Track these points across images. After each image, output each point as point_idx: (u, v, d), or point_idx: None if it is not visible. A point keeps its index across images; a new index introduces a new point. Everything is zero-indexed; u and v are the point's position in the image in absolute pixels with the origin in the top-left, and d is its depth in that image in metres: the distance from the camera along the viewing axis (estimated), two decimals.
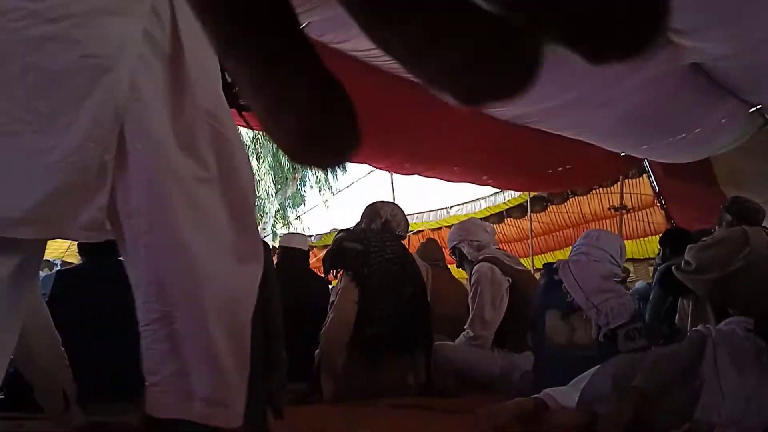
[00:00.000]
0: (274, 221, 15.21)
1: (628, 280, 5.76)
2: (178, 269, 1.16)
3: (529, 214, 8.60)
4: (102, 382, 2.57)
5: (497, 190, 9.00)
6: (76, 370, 2.11)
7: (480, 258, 3.39)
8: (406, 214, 3.47)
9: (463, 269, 3.67)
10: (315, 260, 6.96)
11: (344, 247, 2.95)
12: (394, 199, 8.15)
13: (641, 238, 8.87)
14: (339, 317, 2.82)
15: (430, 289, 3.63)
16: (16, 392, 2.50)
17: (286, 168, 14.75)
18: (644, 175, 7.78)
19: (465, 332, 3.25)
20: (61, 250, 7.28)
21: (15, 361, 2.10)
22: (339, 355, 2.79)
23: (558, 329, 2.62)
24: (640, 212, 8.80)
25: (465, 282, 3.75)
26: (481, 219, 5.30)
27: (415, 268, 3.08)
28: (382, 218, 3.23)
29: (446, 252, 4.07)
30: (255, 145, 13.53)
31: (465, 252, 3.52)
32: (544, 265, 2.87)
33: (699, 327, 2.00)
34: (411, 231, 10.55)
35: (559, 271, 2.70)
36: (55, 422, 2.08)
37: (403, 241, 3.29)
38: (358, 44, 4.15)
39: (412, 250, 3.80)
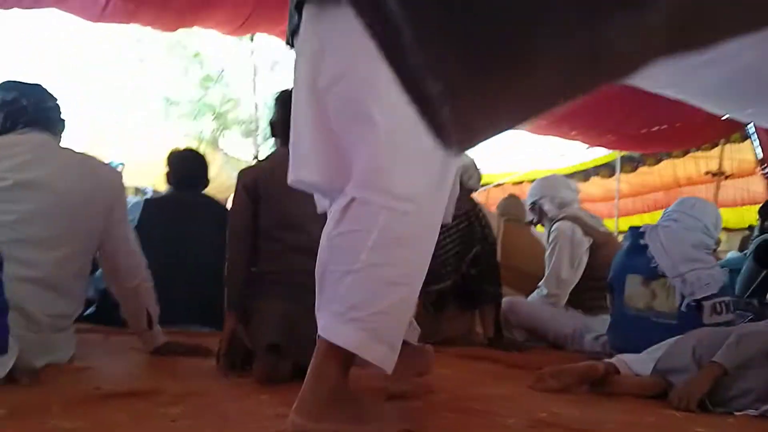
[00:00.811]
0: None
1: (719, 250, 5.47)
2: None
3: (617, 173, 8.24)
4: (182, 305, 2.74)
5: (585, 146, 8.65)
6: (159, 292, 2.22)
7: (561, 216, 3.30)
8: (485, 167, 3.41)
9: (542, 225, 3.59)
10: None
11: None
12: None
13: (738, 207, 8.36)
14: None
15: (506, 244, 3.59)
16: (105, 308, 2.71)
17: None
18: (747, 141, 7.26)
19: (539, 289, 3.20)
20: (150, 177, 7.62)
21: (105, 279, 2.26)
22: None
23: (638, 294, 2.52)
24: (739, 179, 8.26)
25: (543, 239, 3.66)
26: (565, 176, 5.12)
27: (483, 224, 3.03)
28: None
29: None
30: None
31: (545, 209, 3.42)
32: (630, 228, 2.74)
33: None
34: (491, 183, 10.44)
35: (646, 236, 2.57)
36: (138, 339, 2.22)
37: (481, 193, 3.24)
38: None
39: (493, 203, 3.74)
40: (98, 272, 2.62)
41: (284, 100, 2.08)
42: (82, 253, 2.00)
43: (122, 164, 6.86)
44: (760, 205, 4.44)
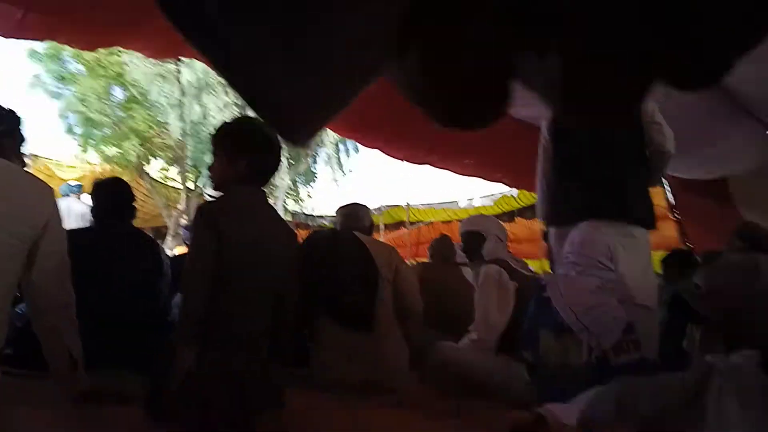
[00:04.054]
0: (285, 197, 15.22)
1: None
2: None
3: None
4: (107, 346, 2.59)
5: (509, 188, 8.93)
6: (82, 332, 2.09)
7: (488, 259, 3.37)
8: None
9: (469, 261, 3.62)
10: None
11: None
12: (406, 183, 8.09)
13: (652, 251, 8.79)
14: None
15: (435, 285, 3.65)
16: (23, 349, 2.52)
17: None
18: (659, 187, 7.69)
19: (469, 334, 3.24)
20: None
21: (26, 318, 2.10)
22: None
23: (551, 350, 2.52)
24: None
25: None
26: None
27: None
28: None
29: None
30: None
31: (487, 245, 3.44)
32: (536, 279, 2.78)
33: (708, 357, 1.97)
34: (421, 222, 10.57)
35: (548, 288, 2.58)
36: (59, 383, 2.07)
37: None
38: None
39: (423, 239, 3.80)
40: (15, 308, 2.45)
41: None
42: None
43: (80, 185, 6.45)
44: (666, 254, 4.72)
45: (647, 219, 3.15)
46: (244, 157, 2.04)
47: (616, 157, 3.12)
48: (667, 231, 8.43)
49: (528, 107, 5.52)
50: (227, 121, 2.34)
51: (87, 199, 5.74)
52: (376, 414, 2.23)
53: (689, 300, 2.71)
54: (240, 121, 2.28)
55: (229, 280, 1.94)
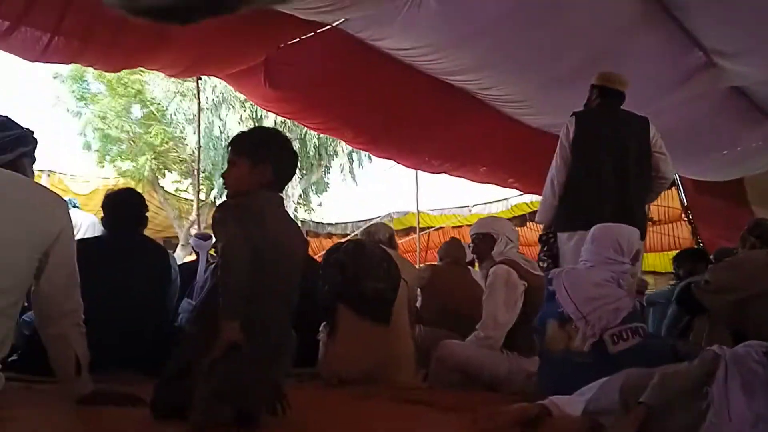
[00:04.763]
0: (296, 206, 15.31)
1: (646, 292, 5.71)
2: None
3: None
4: (115, 350, 2.63)
5: (521, 193, 8.93)
6: (91, 336, 2.11)
7: (498, 260, 3.38)
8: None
9: (479, 262, 3.65)
10: None
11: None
12: (417, 193, 8.15)
13: (665, 252, 8.76)
14: None
15: (445, 287, 3.67)
16: (30, 354, 2.57)
17: (312, 154, 14.80)
18: (673, 189, 7.67)
19: (476, 332, 3.25)
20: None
21: (33, 327, 2.14)
22: None
23: (556, 336, 2.61)
24: (666, 225, 8.67)
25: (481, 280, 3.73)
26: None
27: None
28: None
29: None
30: (284, 129, 13.63)
31: (498, 247, 3.47)
32: (545, 274, 2.86)
33: (713, 347, 1.96)
34: (431, 227, 10.59)
35: (554, 282, 2.69)
36: (64, 387, 2.10)
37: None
38: (394, 43, 4.19)
39: (432, 245, 3.85)
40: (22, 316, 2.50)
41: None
42: (10, 291, 1.87)
43: (75, 202, 6.61)
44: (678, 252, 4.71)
45: (644, 234, 3.51)
46: (269, 163, 2.10)
47: (631, 177, 3.49)
48: (681, 232, 8.39)
49: (541, 116, 5.60)
50: (248, 129, 2.40)
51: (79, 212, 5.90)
52: (381, 407, 2.24)
53: (697, 294, 2.70)
54: (264, 130, 2.38)
55: (250, 277, 1.96)
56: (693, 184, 7.22)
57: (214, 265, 3.40)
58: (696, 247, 6.67)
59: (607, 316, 2.48)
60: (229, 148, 2.20)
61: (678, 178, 7.22)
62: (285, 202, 2.31)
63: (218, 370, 1.78)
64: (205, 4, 0.56)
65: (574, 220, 3.49)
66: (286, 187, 2.42)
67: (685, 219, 8.11)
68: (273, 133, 2.31)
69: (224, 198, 2.26)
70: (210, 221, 2.30)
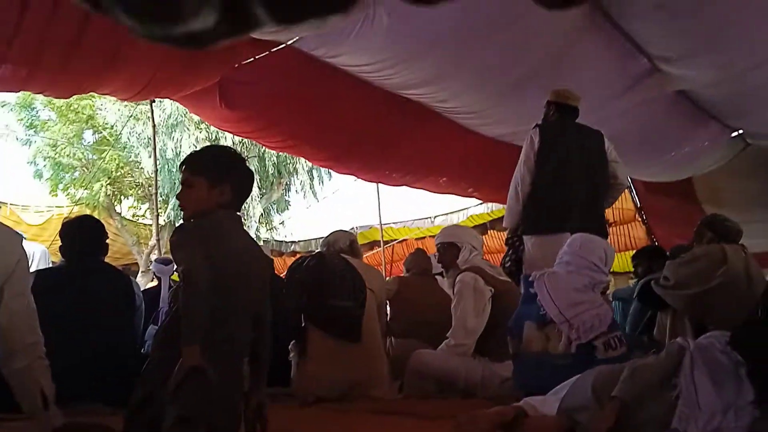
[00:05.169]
0: (258, 225, 15.17)
1: (607, 292, 5.85)
2: None
3: None
4: (81, 381, 2.56)
5: (481, 202, 9.06)
6: (55, 368, 2.07)
7: (464, 267, 3.42)
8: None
9: (445, 271, 3.70)
10: None
11: None
12: (379, 206, 8.18)
13: (622, 252, 8.98)
14: None
15: (414, 297, 3.69)
16: None
17: (271, 172, 14.72)
18: (626, 191, 7.89)
19: (447, 340, 3.27)
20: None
21: None
22: None
23: (534, 338, 2.67)
24: (622, 226, 8.90)
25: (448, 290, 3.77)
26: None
27: None
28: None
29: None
30: (242, 149, 13.53)
31: (462, 255, 3.52)
32: (523, 276, 2.91)
33: (678, 339, 2.03)
34: (395, 240, 10.63)
35: (535, 285, 2.74)
36: (34, 423, 2.04)
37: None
38: (349, 59, 4.21)
39: (397, 258, 3.86)
40: None
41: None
42: None
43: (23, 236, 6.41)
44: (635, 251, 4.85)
45: (606, 237, 3.67)
46: (227, 183, 2.07)
47: (597, 182, 3.74)
48: (636, 232, 8.62)
49: (496, 126, 5.69)
50: (201, 148, 2.36)
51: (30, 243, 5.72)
52: (360, 420, 2.24)
53: (657, 291, 2.78)
54: (219, 148, 2.32)
55: (213, 299, 1.93)
56: (644, 186, 7.44)
57: (174, 288, 3.36)
58: (652, 245, 6.85)
59: (592, 321, 2.55)
60: (183, 167, 2.15)
61: (630, 180, 7.43)
62: (245, 221, 2.29)
63: (181, 396, 1.76)
64: (232, 27, 0.55)
65: (542, 224, 3.64)
66: (246, 206, 2.40)
67: (639, 219, 8.35)
68: (229, 151, 2.26)
69: (181, 220, 2.22)
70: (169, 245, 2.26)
